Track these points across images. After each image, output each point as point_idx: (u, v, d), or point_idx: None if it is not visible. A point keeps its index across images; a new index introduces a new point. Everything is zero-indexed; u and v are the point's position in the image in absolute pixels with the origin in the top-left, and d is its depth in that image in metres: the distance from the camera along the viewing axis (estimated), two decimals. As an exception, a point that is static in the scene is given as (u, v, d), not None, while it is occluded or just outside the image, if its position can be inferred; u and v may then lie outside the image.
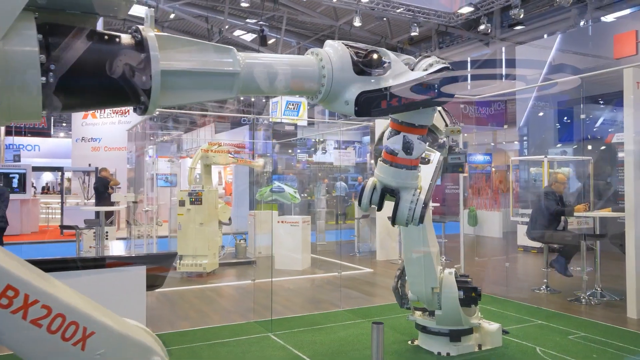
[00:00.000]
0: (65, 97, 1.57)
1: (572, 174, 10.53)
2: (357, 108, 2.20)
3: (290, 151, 19.78)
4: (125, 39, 1.68)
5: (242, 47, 20.23)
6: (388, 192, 2.83)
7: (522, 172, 14.58)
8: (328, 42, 2.28)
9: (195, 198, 8.50)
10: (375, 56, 2.26)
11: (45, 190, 25.09)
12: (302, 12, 19.31)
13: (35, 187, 24.78)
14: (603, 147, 12.20)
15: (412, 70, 2.49)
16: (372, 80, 2.22)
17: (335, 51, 2.19)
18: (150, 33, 1.69)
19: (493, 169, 19.43)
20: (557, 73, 12.68)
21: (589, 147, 12.59)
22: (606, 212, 7.75)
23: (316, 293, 7.63)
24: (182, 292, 7.56)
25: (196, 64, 1.82)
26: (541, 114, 14.66)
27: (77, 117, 18.05)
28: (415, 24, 15.21)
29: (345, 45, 2.26)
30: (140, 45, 1.66)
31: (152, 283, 5.00)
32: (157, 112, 12.16)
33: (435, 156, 3.67)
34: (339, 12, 18.59)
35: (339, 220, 12.00)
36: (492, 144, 21.31)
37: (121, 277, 4.50)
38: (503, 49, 19.25)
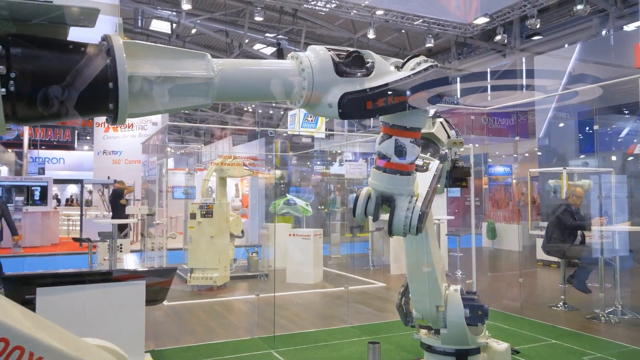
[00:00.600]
0: (30, 109, 1.55)
1: (593, 186, 10.23)
2: (341, 110, 2.13)
3: (308, 163, 19.77)
4: (92, 47, 1.66)
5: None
6: (384, 202, 2.74)
7: (542, 184, 14.26)
8: (310, 46, 2.24)
9: (207, 211, 8.51)
10: (357, 56, 2.19)
11: (69, 202, 25.58)
12: (321, 26, 19.40)
13: (59, 199, 25.31)
14: (630, 158, 11.86)
15: (400, 70, 2.43)
16: (356, 82, 2.16)
17: (315, 54, 2.13)
18: (117, 40, 1.66)
19: (514, 181, 19.08)
20: (577, 83, 12.42)
21: (613, 158, 12.25)
22: (626, 226, 7.48)
23: (325, 308, 7.52)
24: (190, 305, 7.54)
25: (167, 69, 1.78)
26: (561, 124, 14.35)
27: (99, 130, 18.38)
28: (430, 36, 15.09)
29: (328, 49, 2.21)
30: (108, 52, 1.62)
31: (153, 298, 4.98)
32: (170, 124, 12.28)
33: (434, 164, 3.53)
34: (357, 25, 18.59)
35: (350, 233, 11.89)
36: (515, 155, 20.99)
37: (120, 292, 4.47)
38: (523, 59, 18.99)
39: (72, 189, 27.10)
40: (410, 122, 2.54)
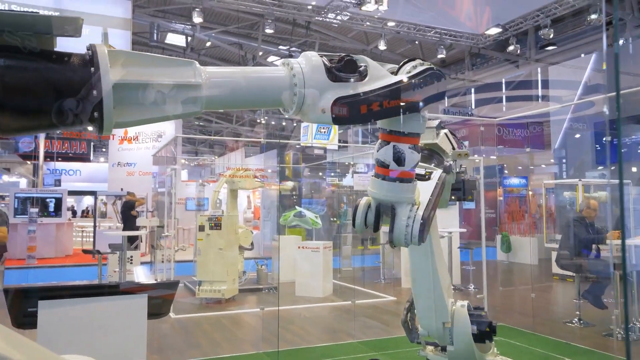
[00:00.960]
0: (13, 120, 1.53)
1: (609, 198, 9.98)
2: (334, 115, 2.07)
3: (320, 175, 19.73)
4: (76, 57, 1.63)
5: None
6: (384, 212, 2.65)
7: (557, 196, 14.00)
8: (303, 53, 2.20)
9: (215, 223, 8.48)
10: (348, 60, 2.14)
11: (85, 213, 25.84)
12: (334, 38, 19.46)
13: (75, 211, 25.58)
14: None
15: (395, 75, 2.37)
16: (349, 86, 2.10)
17: (307, 60, 2.08)
18: (101, 48, 1.64)
19: (530, 193, 18.79)
20: (593, 93, 12.20)
21: (633, 170, 11.99)
22: (642, 240, 7.25)
23: (332, 322, 7.41)
24: (197, 319, 7.49)
25: (153, 76, 1.75)
26: (577, 135, 14.11)
27: (113, 142, 18.58)
28: (442, 47, 15.01)
29: (321, 55, 2.16)
30: (92, 61, 1.59)
31: (156, 311, 4.93)
32: (179, 136, 12.33)
33: (437, 173, 3.41)
34: (370, 37, 18.60)
35: (361, 246, 11.77)
36: (531, 167, 20.69)
37: (122, 305, 4.43)
38: (538, 69, 18.80)
39: (88, 201, 27.39)
40: (408, 128, 2.43)
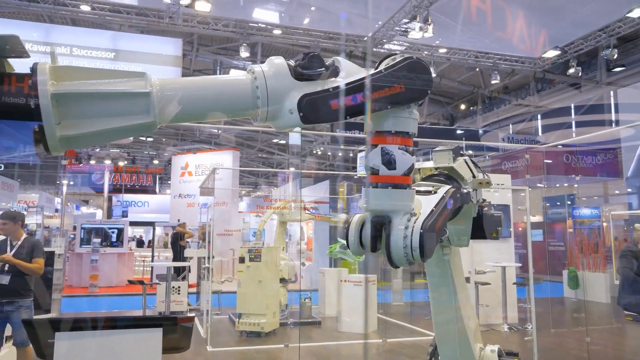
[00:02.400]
0: None
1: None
2: (302, 114, 1.91)
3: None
4: (18, 75, 1.60)
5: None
6: (382, 227, 2.36)
7: (631, 228, 12.83)
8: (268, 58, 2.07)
9: (255, 255, 8.42)
10: (313, 55, 1.99)
11: (150, 243, 26.87)
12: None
13: (142, 241, 26.67)
14: None
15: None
16: (318, 83, 1.95)
17: (269, 62, 1.96)
18: (42, 64, 1.59)
19: (604, 224, 17.44)
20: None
21: None
22: None
23: (369, 361, 7.05)
24: (233, 353, 7.38)
25: (97, 86, 1.67)
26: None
27: (175, 174, 19.31)
28: (496, 72, 14.47)
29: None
30: (32, 77, 1.55)
31: (174, 345, 4.86)
32: (216, 167, 12.48)
33: (444, 188, 3.04)
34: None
35: (415, 279, 11.28)
36: (603, 196, 19.30)
37: (136, 339, 4.40)
38: (611, 92, 17.67)
39: (157, 231, 28.47)
40: (395, 126, 2.19)
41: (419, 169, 3.52)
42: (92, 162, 19.75)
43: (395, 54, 2.22)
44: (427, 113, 22.99)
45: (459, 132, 19.23)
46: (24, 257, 5.33)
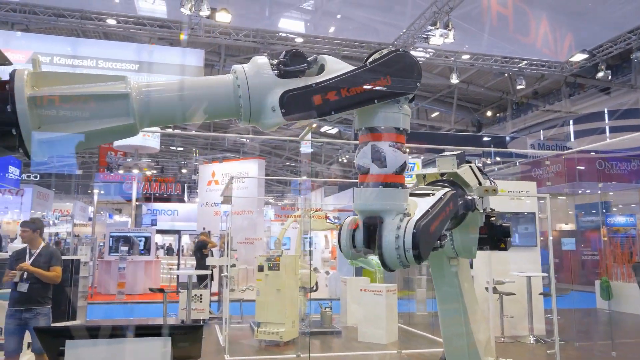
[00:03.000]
0: None
1: None
2: (284, 110, 1.87)
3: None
4: None
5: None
6: (374, 229, 2.26)
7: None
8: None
9: (273, 264, 8.41)
10: (295, 52, 1.94)
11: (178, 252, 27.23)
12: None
13: (172, 249, 27.07)
14: None
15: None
16: (301, 80, 1.91)
17: (252, 62, 1.93)
18: (20, 71, 1.60)
19: (641, 232, 16.76)
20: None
21: None
22: None
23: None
24: (250, 362, 7.36)
25: (76, 89, 1.68)
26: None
27: (203, 183, 19.53)
28: (522, 77, 14.17)
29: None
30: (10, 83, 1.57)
31: (185, 355, 4.87)
32: (234, 177, 12.52)
33: (443, 191, 2.88)
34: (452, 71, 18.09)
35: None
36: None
37: (146, 348, 4.42)
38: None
39: (185, 240, 28.88)
40: (385, 121, 2.11)
41: (424, 175, 3.41)
42: (121, 171, 20.22)
43: (381, 50, 2.16)
44: (455, 120, 22.71)
45: (485, 139, 18.87)
46: (42, 266, 5.45)
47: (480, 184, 3.76)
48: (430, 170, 3.35)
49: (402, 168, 2.16)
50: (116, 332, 4.84)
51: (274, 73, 1.88)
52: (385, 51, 2.06)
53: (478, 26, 11.87)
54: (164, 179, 22.69)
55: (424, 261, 2.23)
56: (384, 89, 2.00)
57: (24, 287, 5.38)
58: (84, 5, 11.69)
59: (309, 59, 1.97)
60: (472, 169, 3.68)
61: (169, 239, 26.11)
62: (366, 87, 1.98)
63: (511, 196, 9.41)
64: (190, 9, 10.25)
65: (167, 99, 1.83)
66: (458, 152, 3.81)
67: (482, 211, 3.61)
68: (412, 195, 2.67)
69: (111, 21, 11.97)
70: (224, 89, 1.86)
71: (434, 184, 3.19)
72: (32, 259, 5.47)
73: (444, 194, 2.68)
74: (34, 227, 5.70)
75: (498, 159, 18.86)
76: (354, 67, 1.99)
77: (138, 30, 12.17)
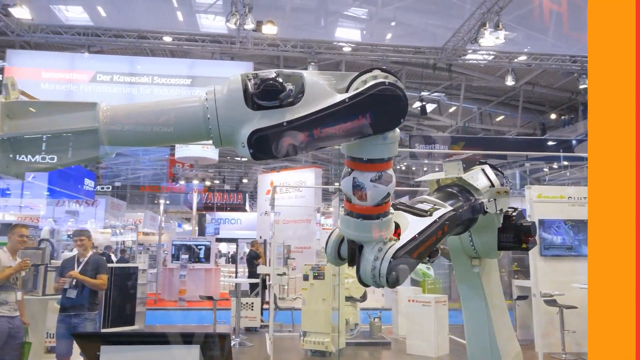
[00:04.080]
0: None
1: None
2: (252, 150, 1.78)
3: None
4: None
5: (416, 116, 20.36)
6: (358, 246, 2.23)
7: None
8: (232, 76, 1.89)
9: (318, 272, 8.38)
10: (268, 86, 1.78)
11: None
12: (479, 78, 18.72)
13: (234, 257, 27.79)
14: None
15: (347, 92, 1.91)
16: (275, 114, 1.78)
17: (227, 87, 1.80)
18: None
19: None
20: None
21: None
22: None
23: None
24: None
25: (47, 126, 1.72)
26: None
27: (261, 192, 19.91)
28: (584, 76, 13.36)
29: (254, 75, 1.83)
30: None
31: (215, 362, 4.94)
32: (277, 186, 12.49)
33: (442, 211, 2.73)
34: (518, 73, 17.33)
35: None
36: None
37: (175, 355, 4.52)
38: None
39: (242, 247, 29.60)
40: (368, 153, 1.97)
41: (438, 180, 3.30)
42: (182, 182, 21.05)
43: (370, 71, 2.01)
44: (521, 124, 21.79)
45: (550, 143, 17.93)
46: (90, 274, 5.73)
47: (492, 185, 3.51)
48: (437, 175, 3.23)
49: (384, 198, 2.06)
50: (149, 339, 5.01)
51: (246, 104, 1.77)
52: (369, 79, 1.89)
53: (528, 26, 11.32)
54: (224, 189, 23.40)
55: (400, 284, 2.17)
56: (365, 127, 1.85)
57: (72, 294, 5.68)
58: (149, 26, 12.32)
59: (284, 92, 1.79)
60: (484, 171, 3.47)
61: (233, 247, 26.82)
62: (345, 126, 1.84)
63: (571, 202, 8.86)
64: (235, 23, 10.53)
65: (134, 128, 1.78)
66: (467, 156, 3.63)
67: (497, 212, 3.35)
68: (410, 210, 2.56)
69: (167, 38, 12.54)
70: (194, 116, 1.80)
71: (443, 188, 3.10)
72: (80, 267, 5.77)
73: (441, 216, 2.55)
74: (88, 234, 6.07)
75: (565, 163, 17.86)
76: (335, 96, 1.83)
77: (190, 47, 12.64)
